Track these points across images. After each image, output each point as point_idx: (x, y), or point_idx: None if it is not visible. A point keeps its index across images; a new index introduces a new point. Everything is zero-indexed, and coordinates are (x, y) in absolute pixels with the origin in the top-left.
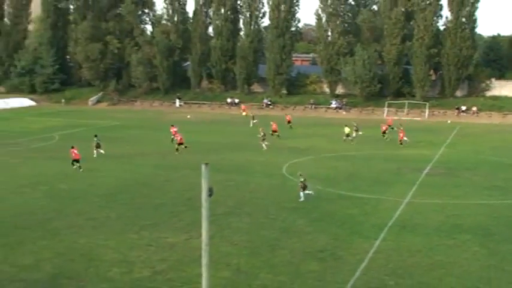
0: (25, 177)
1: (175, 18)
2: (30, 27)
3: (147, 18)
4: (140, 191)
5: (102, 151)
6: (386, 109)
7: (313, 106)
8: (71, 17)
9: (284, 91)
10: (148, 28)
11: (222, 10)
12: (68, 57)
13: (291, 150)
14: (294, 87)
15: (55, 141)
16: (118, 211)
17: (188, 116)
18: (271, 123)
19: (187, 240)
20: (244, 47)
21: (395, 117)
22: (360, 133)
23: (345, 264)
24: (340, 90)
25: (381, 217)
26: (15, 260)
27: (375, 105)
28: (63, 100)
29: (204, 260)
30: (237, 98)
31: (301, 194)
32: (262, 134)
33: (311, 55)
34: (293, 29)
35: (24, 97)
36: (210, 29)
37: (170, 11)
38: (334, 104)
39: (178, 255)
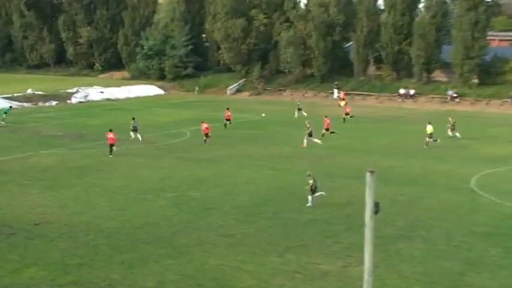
0: (149, 181)
1: None
2: None
3: None
4: (287, 203)
5: (139, 136)
6: None
7: None
8: None
9: (475, 80)
10: (302, 0)
11: None
12: (204, 36)
13: (482, 158)
14: (489, 75)
15: (186, 138)
16: (259, 227)
17: (263, 115)
18: (325, 118)
19: (344, 268)
20: (423, 23)
21: None
22: None
23: None
24: None
25: None
26: (135, 282)
27: None
28: (196, 88)
29: None
30: (412, 89)
31: (309, 198)
32: (308, 127)
33: None
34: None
35: (151, 84)
36: (380, 1)
37: None
38: None
39: (332, 286)
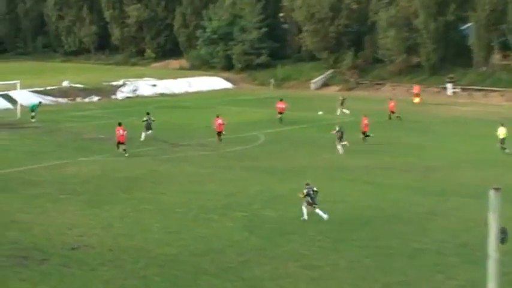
0: (213, 196)
1: None
2: None
3: None
4: (387, 228)
5: (143, 134)
6: None
7: None
8: None
9: None
10: None
11: None
12: (281, 15)
13: None
14: None
15: (259, 143)
16: (351, 257)
17: (320, 113)
18: (363, 117)
19: None
20: None
21: None
22: None
23: None
24: None
25: None
26: None
27: None
28: (272, 81)
29: None
30: None
31: (304, 210)
32: (337, 130)
33: None
34: None
35: (215, 76)
36: None
37: None
38: None
39: None
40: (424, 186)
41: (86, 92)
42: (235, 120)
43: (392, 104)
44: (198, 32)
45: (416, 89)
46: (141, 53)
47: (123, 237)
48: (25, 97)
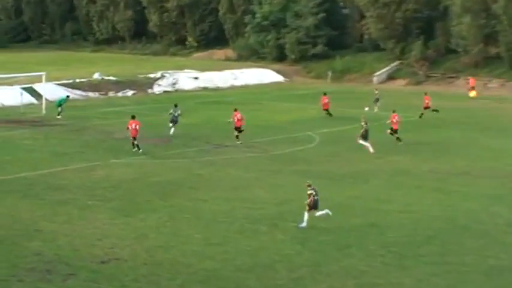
0: (261, 205)
1: None
2: None
3: None
4: (460, 242)
5: (172, 130)
6: None
7: None
8: None
9: None
10: None
11: None
12: None
13: None
14: None
15: (314, 144)
16: (417, 275)
17: (366, 109)
18: (392, 114)
19: None
20: None
21: None
22: None
23: None
24: None
25: None
26: None
27: None
28: (329, 73)
29: None
30: None
31: (306, 216)
32: (364, 124)
33: None
34: None
35: (266, 67)
36: None
37: None
38: None
39: None
40: (503, 195)
41: (119, 85)
42: (287, 118)
43: (427, 99)
44: (247, 18)
45: (471, 81)
46: (181, 41)
47: (159, 250)
48: (51, 91)
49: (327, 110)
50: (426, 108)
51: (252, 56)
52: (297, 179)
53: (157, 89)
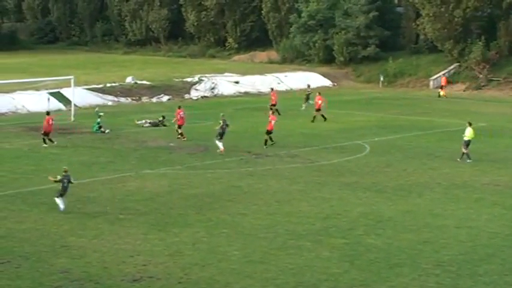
0: (305, 219)
1: None
2: None
3: None
4: None
5: (220, 144)
6: None
7: None
8: None
9: None
10: None
11: None
12: None
13: None
14: None
15: (363, 154)
16: None
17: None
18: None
19: None
20: None
21: None
22: None
23: None
24: None
25: None
26: None
27: None
28: (381, 78)
29: None
30: None
31: (58, 201)
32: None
33: None
34: None
35: (312, 71)
36: None
37: None
38: None
39: None
40: None
41: (153, 90)
42: (335, 127)
43: (320, 100)
44: (292, 17)
45: (444, 80)
46: (221, 42)
47: (195, 267)
48: (80, 96)
49: (319, 109)
50: (318, 110)
51: (297, 59)
52: (344, 192)
53: (194, 94)
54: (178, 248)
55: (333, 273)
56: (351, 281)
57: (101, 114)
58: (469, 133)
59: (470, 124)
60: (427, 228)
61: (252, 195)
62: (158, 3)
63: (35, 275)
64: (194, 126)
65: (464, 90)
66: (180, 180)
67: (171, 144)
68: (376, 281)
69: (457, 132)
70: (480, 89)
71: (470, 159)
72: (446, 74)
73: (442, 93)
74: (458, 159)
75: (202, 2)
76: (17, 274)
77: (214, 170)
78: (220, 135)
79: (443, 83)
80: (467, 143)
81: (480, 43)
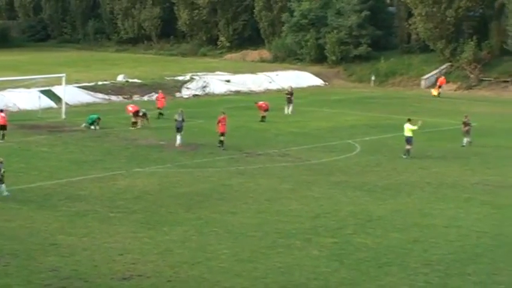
0: (295, 218)
1: None
2: None
3: None
4: (511, 260)
5: (178, 137)
6: None
7: None
8: None
9: None
10: None
11: None
12: None
13: None
14: None
15: (354, 153)
16: None
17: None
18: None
19: None
20: None
21: None
22: None
23: None
24: None
25: None
26: None
27: None
28: (373, 77)
29: None
30: None
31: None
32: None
33: None
34: None
35: (303, 70)
36: None
37: None
38: None
39: None
40: None
41: (145, 88)
42: (326, 125)
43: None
44: (284, 16)
45: (440, 81)
46: (213, 41)
47: (185, 266)
48: (71, 94)
49: (266, 111)
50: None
51: (289, 57)
52: (334, 191)
53: (186, 93)
54: (168, 246)
55: (322, 272)
56: (340, 280)
57: (99, 118)
58: (405, 129)
59: (409, 120)
60: (416, 227)
61: (242, 193)
62: (150, 2)
63: (24, 273)
64: (185, 125)
65: (455, 90)
66: (170, 178)
67: (162, 142)
68: (365, 280)
69: (447, 132)
70: (471, 88)
71: (406, 155)
72: (440, 74)
73: (435, 92)
74: (403, 156)
75: (195, 1)
76: (6, 272)
77: (205, 169)
78: (178, 129)
79: (441, 83)
80: (407, 139)
81: (472, 43)
